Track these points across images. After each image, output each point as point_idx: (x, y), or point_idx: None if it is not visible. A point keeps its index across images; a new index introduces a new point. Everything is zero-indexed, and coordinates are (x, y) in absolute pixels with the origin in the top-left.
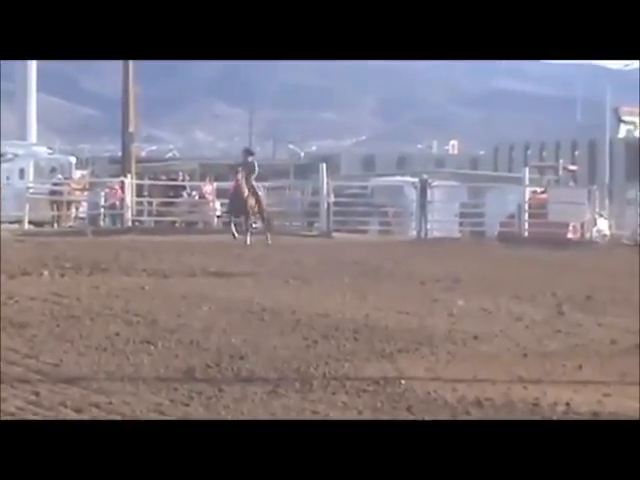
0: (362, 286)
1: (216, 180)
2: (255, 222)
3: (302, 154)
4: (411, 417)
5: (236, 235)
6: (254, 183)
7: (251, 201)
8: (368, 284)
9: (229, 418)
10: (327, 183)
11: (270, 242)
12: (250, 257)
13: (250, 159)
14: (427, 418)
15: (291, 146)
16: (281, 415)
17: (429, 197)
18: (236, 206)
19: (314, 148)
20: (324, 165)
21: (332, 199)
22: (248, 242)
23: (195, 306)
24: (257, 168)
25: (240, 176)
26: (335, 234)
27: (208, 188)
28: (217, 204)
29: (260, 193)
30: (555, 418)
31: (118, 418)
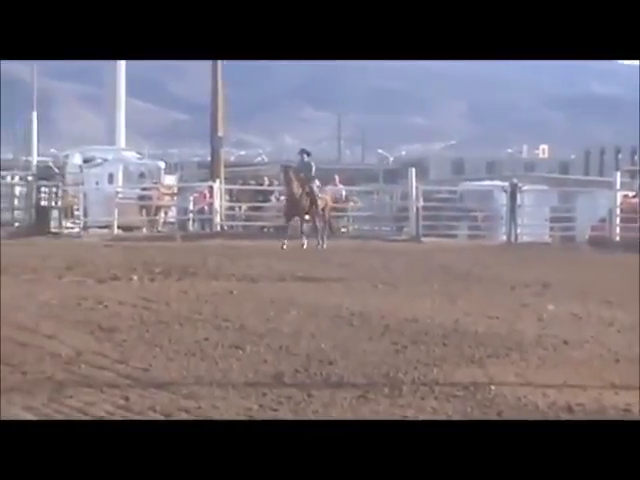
0: (451, 291)
1: None
2: (311, 224)
3: (391, 159)
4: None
5: (285, 244)
6: (313, 184)
7: (304, 202)
8: (457, 289)
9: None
10: (416, 187)
11: (325, 247)
12: (338, 262)
13: (307, 159)
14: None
15: (380, 151)
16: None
17: (519, 201)
18: (289, 208)
19: (403, 153)
20: (413, 170)
21: (421, 203)
22: (304, 246)
23: (284, 311)
24: (314, 168)
25: (293, 177)
26: (424, 239)
27: None
28: None
29: (321, 195)
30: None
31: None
